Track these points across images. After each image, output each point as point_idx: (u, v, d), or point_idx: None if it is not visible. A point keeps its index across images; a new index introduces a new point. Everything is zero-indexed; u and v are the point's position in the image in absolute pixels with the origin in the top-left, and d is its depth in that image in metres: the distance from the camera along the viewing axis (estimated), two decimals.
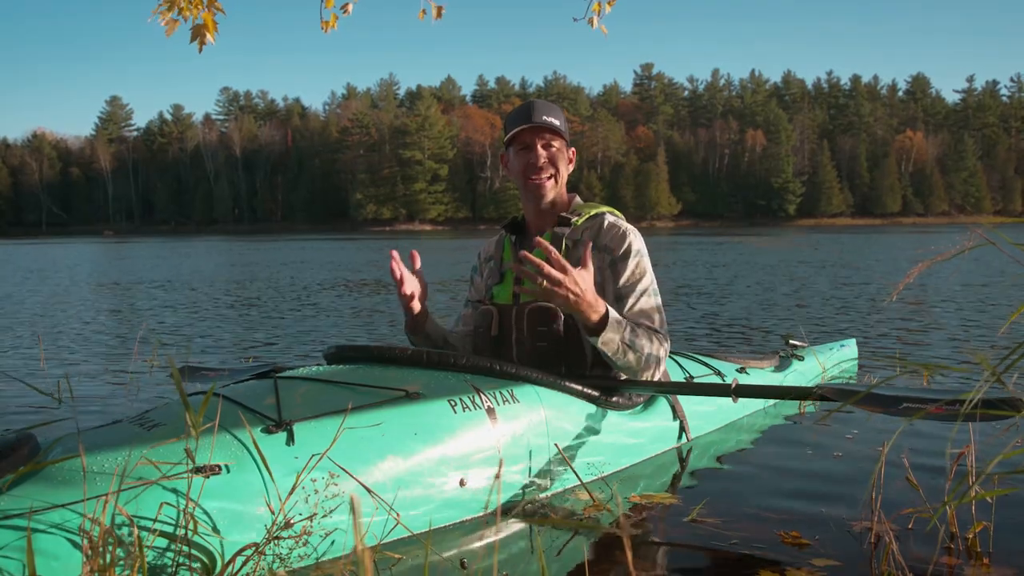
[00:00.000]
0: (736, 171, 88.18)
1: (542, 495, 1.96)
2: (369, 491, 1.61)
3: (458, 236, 47.58)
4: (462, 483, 1.78)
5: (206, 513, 1.42)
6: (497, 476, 1.84)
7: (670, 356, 2.74)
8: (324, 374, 1.94)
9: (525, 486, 1.92)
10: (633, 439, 2.23)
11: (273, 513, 1.48)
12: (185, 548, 1.38)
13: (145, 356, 4.62)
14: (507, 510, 1.88)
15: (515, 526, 1.83)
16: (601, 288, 2.20)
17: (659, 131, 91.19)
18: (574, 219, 2.27)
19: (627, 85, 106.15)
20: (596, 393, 2.11)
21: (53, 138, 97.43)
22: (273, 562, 1.45)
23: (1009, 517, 1.78)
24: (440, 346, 2.37)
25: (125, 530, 1.33)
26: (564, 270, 1.89)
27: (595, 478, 2.08)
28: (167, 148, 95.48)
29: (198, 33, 2.98)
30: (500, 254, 2.42)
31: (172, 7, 2.96)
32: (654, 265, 2.29)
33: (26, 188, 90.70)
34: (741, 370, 2.90)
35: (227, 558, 1.42)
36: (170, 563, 1.37)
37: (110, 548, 1.28)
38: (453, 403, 1.83)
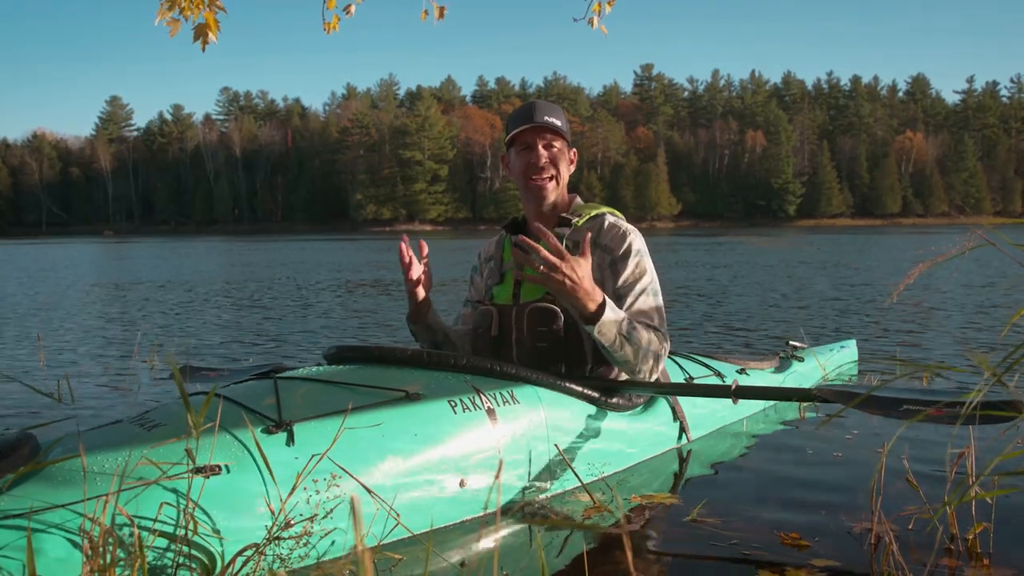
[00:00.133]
0: (736, 172, 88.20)
1: (542, 496, 1.96)
2: (369, 491, 1.61)
3: (458, 236, 47.60)
4: (462, 484, 1.78)
5: (206, 513, 1.42)
6: (497, 477, 1.84)
7: (670, 357, 2.74)
8: (324, 374, 1.94)
9: (525, 487, 1.92)
10: (633, 440, 2.23)
11: (273, 513, 1.48)
12: (185, 548, 1.38)
13: (145, 356, 4.62)
14: (507, 511, 1.88)
15: (515, 527, 1.83)
16: (601, 287, 2.20)
17: (659, 132, 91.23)
18: (575, 220, 2.27)
19: (627, 85, 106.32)
20: (596, 394, 2.11)
21: (53, 138, 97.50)
22: (273, 562, 1.45)
23: (1009, 518, 1.78)
24: (440, 339, 2.38)
25: (125, 530, 1.33)
26: (561, 255, 1.90)
27: (595, 479, 2.08)
28: (167, 148, 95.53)
29: (200, 32, 2.98)
30: (500, 254, 2.42)
31: (173, 6, 2.97)
32: (654, 266, 2.29)
33: (26, 188, 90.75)
34: (741, 371, 2.90)
35: (227, 558, 1.42)
36: (170, 563, 1.37)
37: (110, 548, 1.28)
38: (453, 404, 1.83)
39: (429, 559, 1.59)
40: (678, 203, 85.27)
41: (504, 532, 1.81)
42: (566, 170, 2.31)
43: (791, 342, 3.47)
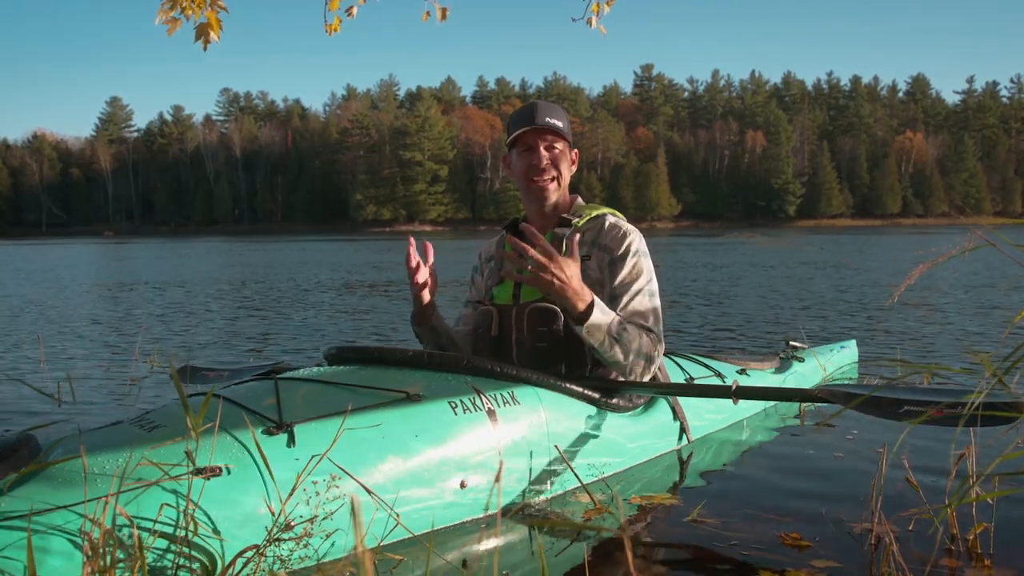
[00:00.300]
0: (736, 172, 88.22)
1: (542, 496, 1.96)
2: (370, 492, 1.61)
3: (458, 237, 47.59)
4: (463, 485, 1.78)
5: (206, 515, 1.42)
6: (497, 478, 1.84)
7: (671, 358, 2.74)
8: (325, 375, 1.94)
9: (525, 488, 1.92)
10: (633, 440, 2.23)
11: (273, 514, 1.48)
12: (185, 549, 1.38)
13: (146, 357, 4.62)
14: (507, 511, 1.88)
15: (515, 527, 1.83)
16: (600, 286, 2.21)
17: (659, 132, 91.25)
18: (575, 220, 2.27)
19: (627, 86, 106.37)
20: (597, 395, 2.11)
21: (53, 139, 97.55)
22: (274, 563, 1.45)
23: (1010, 518, 1.78)
24: (444, 342, 2.38)
25: (126, 531, 1.33)
26: (550, 256, 1.91)
27: (595, 479, 2.08)
28: (167, 149, 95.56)
29: (202, 32, 2.98)
30: (500, 254, 2.41)
31: (175, 6, 2.96)
32: (654, 266, 2.29)
33: (26, 189, 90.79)
34: (741, 371, 2.90)
35: (227, 560, 1.41)
36: (170, 564, 1.37)
37: (110, 549, 1.28)
38: (454, 405, 1.83)
39: (430, 560, 1.59)
40: (678, 204, 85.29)
41: (504, 533, 1.81)
42: (567, 171, 2.31)
43: (791, 342, 3.47)
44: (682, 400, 2.43)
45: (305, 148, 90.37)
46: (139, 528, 1.33)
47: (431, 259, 2.28)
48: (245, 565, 1.40)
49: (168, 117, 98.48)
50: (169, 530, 1.38)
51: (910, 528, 1.75)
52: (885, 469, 1.82)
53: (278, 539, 1.44)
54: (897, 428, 1.86)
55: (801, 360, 3.33)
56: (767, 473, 2.24)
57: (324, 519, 1.52)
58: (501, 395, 1.93)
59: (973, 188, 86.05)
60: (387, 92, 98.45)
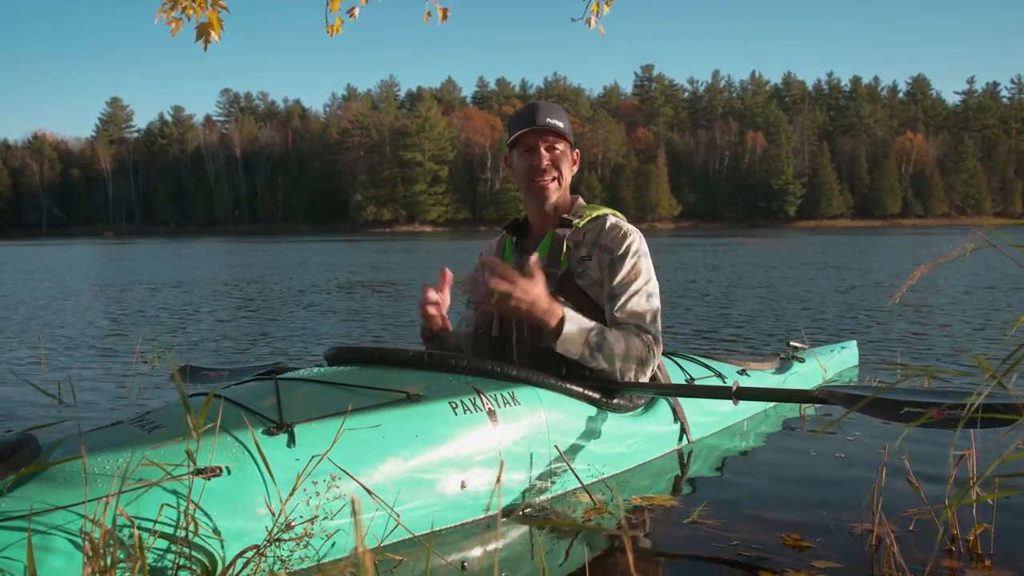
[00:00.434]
0: (736, 172, 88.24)
1: (543, 497, 1.96)
2: (370, 493, 1.61)
3: (458, 237, 47.60)
4: (463, 485, 1.78)
5: (207, 515, 1.42)
6: (498, 478, 1.84)
7: (671, 358, 2.74)
8: (325, 375, 1.94)
9: (526, 488, 1.92)
10: (634, 441, 2.23)
11: (274, 515, 1.48)
12: (186, 550, 1.38)
13: (146, 357, 4.62)
14: (508, 512, 1.88)
15: (516, 528, 1.83)
16: (600, 287, 2.21)
17: (659, 132, 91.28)
18: (576, 221, 2.27)
19: (627, 86, 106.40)
20: (597, 395, 2.11)
21: (54, 139, 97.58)
22: (274, 564, 1.45)
23: (1010, 519, 1.78)
24: (451, 348, 2.37)
25: (126, 532, 1.33)
26: (512, 281, 1.93)
27: (596, 480, 2.08)
28: (167, 149, 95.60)
29: (203, 32, 2.98)
30: (501, 255, 2.42)
31: (175, 6, 2.97)
32: (655, 266, 2.29)
33: (26, 189, 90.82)
34: (742, 372, 2.90)
35: (228, 560, 1.41)
36: (171, 565, 1.37)
37: (111, 550, 1.28)
38: (454, 405, 1.83)
39: (430, 560, 1.59)
40: (678, 204, 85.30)
41: (505, 533, 1.81)
42: (568, 171, 2.31)
43: (792, 343, 3.47)
44: (682, 400, 2.43)
45: (305, 148, 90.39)
46: (140, 528, 1.33)
47: (447, 287, 2.31)
48: (245, 565, 1.40)
49: (168, 117, 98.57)
50: (170, 530, 1.38)
51: (911, 529, 1.75)
52: (885, 470, 1.82)
53: (278, 539, 1.44)
54: (898, 429, 1.86)
55: (802, 361, 3.33)
56: (768, 474, 2.24)
57: (324, 519, 1.52)
58: (501, 395, 1.93)
59: (973, 189, 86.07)
60: (388, 92, 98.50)
